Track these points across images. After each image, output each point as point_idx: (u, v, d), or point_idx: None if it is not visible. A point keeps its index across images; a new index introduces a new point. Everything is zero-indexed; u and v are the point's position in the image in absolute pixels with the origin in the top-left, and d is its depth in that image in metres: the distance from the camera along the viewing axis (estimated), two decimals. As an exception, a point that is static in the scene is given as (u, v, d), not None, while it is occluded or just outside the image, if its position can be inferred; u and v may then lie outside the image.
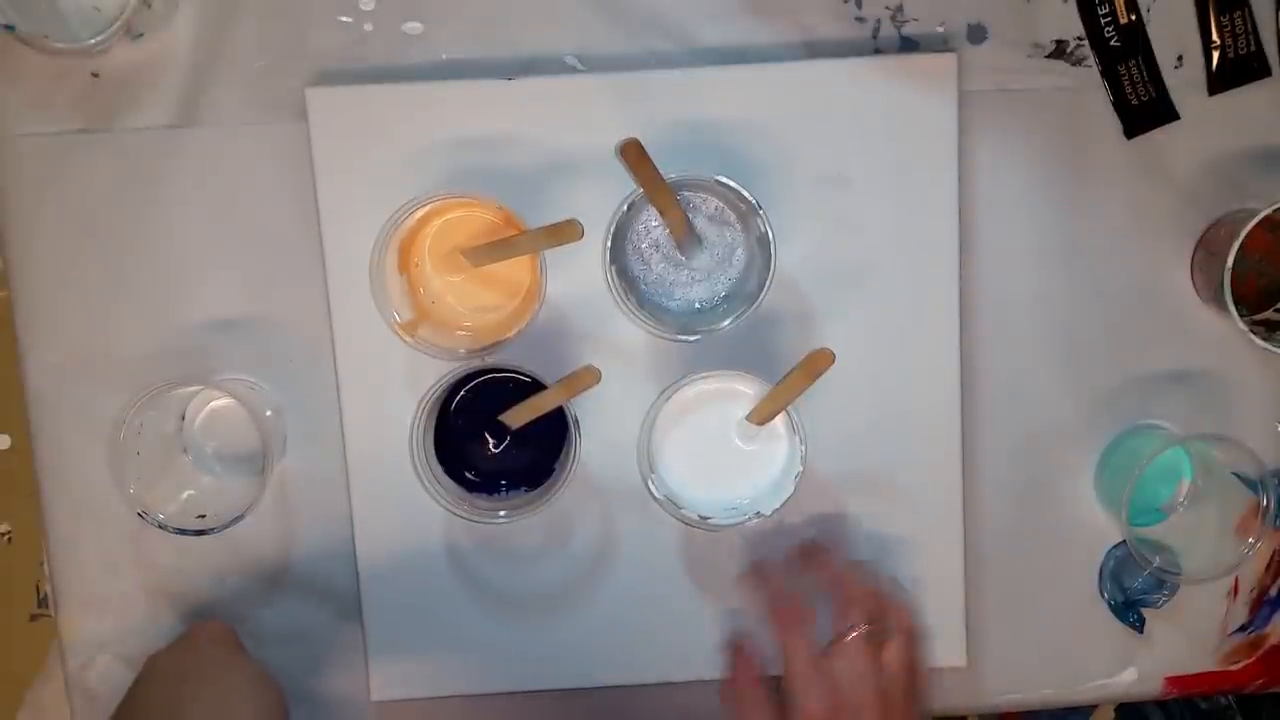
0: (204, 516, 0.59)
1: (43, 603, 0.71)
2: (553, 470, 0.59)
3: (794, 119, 0.60)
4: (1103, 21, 0.61)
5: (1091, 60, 0.62)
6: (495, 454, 0.59)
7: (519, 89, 0.59)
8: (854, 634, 0.55)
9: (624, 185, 0.55)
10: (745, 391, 0.57)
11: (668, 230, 0.58)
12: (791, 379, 0.54)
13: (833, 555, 0.61)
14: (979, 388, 0.63)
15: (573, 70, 0.61)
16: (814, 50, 0.61)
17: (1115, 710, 1.03)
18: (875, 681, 0.55)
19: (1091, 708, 1.03)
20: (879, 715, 0.54)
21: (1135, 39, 0.61)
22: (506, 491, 0.59)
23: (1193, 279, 0.63)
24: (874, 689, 0.54)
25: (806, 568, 0.60)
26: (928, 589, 0.62)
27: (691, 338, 0.57)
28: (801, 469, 0.56)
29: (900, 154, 0.60)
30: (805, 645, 0.55)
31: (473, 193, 0.55)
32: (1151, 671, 0.65)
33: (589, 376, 0.54)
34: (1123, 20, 0.61)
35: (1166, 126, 0.62)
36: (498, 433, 0.59)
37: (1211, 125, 0.62)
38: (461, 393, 0.58)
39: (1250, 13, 0.61)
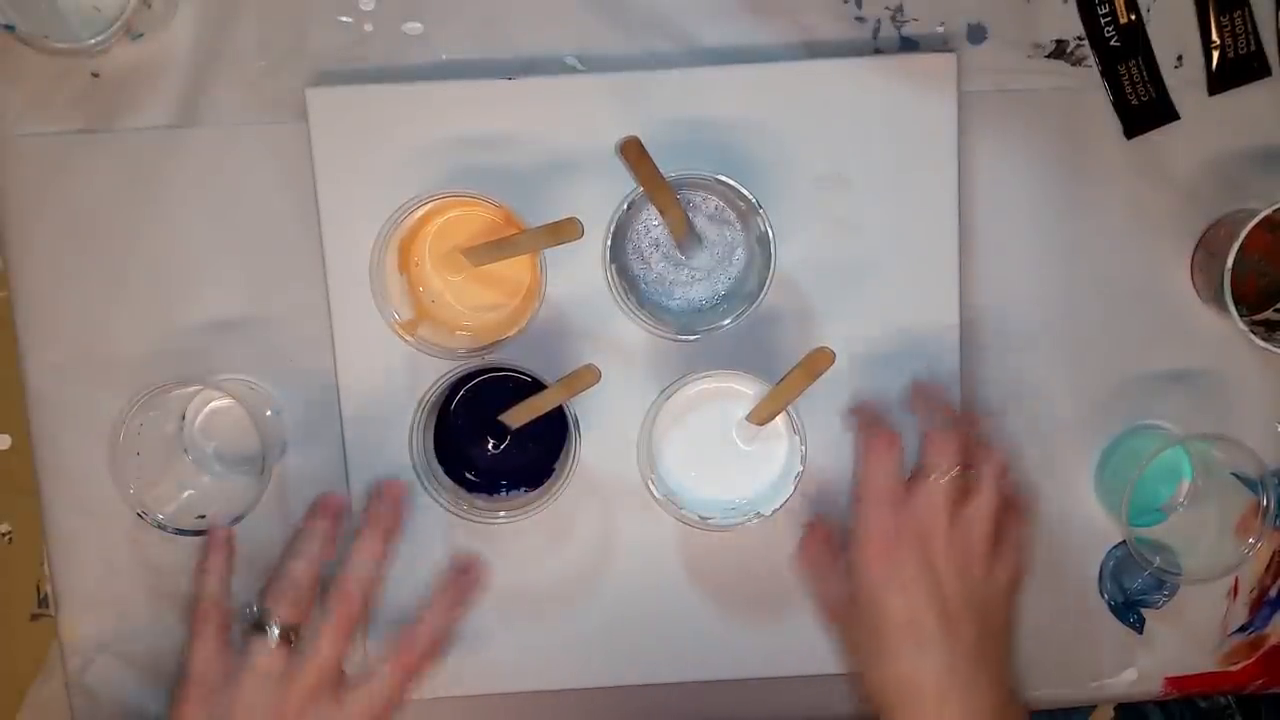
0: (204, 516, 0.59)
1: (43, 603, 0.71)
2: (552, 470, 0.59)
3: (794, 119, 0.60)
4: (1103, 21, 0.61)
5: (1091, 60, 0.62)
6: (495, 454, 0.59)
7: (519, 89, 0.59)
8: (938, 477, 0.53)
9: (624, 184, 0.55)
10: (745, 391, 0.57)
11: (668, 229, 0.58)
12: (791, 378, 0.54)
13: (947, 400, 0.59)
14: (979, 388, 0.63)
15: (573, 70, 0.61)
16: (814, 50, 0.61)
17: (1115, 710, 1.03)
18: (949, 526, 0.52)
19: (1091, 708, 1.02)
20: (948, 562, 0.52)
21: (1135, 39, 0.61)
22: (506, 491, 0.59)
23: (1193, 279, 0.63)
24: (945, 533, 0.52)
25: (916, 405, 0.58)
26: (928, 589, 0.62)
27: (691, 337, 0.57)
28: (801, 469, 0.56)
29: (900, 154, 0.60)
30: (884, 472, 0.53)
31: (473, 191, 0.55)
32: (1151, 671, 0.65)
33: (589, 375, 0.54)
34: (1123, 20, 0.61)
35: (1166, 126, 0.62)
36: (498, 432, 0.58)
37: (1211, 125, 0.62)
38: (461, 392, 0.58)
39: (1250, 13, 0.61)
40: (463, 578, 0.56)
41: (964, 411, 0.60)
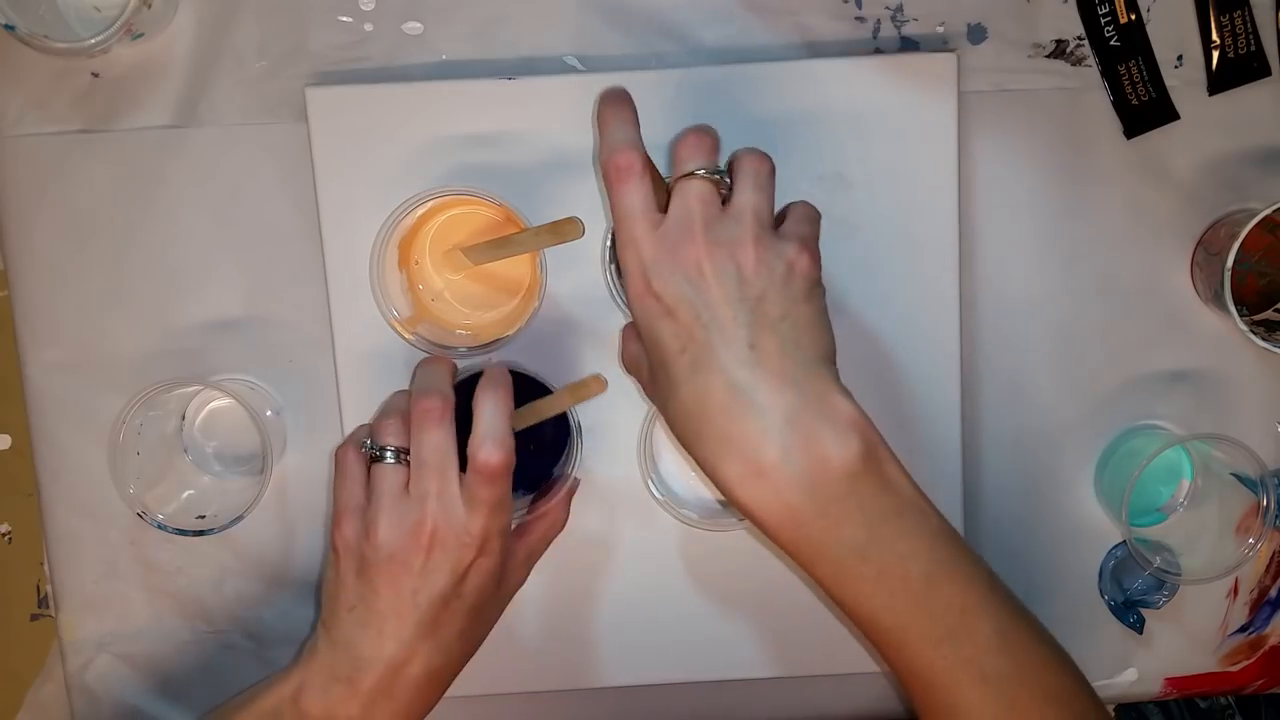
0: (204, 516, 0.59)
1: (43, 603, 0.71)
2: (552, 473, 0.59)
3: (794, 119, 0.60)
4: (1103, 21, 0.61)
5: (1091, 60, 0.62)
6: None
7: (519, 89, 0.59)
8: (690, 177, 0.48)
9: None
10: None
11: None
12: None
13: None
14: (979, 388, 0.63)
15: (573, 70, 0.61)
16: (814, 50, 0.61)
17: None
18: (707, 228, 0.46)
19: (1092, 708, 1.02)
20: (714, 267, 0.46)
21: (1135, 39, 0.61)
22: None
23: (1193, 279, 0.63)
24: (704, 237, 0.46)
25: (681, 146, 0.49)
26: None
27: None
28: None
29: (900, 154, 0.60)
30: (630, 202, 0.47)
31: (473, 190, 0.55)
32: (1151, 672, 0.65)
33: (596, 385, 0.54)
34: (1123, 20, 0.61)
35: (1166, 126, 0.62)
36: None
37: (1211, 125, 0.62)
38: (462, 394, 0.58)
39: (1250, 13, 0.61)
40: (490, 378, 0.53)
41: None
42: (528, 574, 0.57)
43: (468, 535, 0.50)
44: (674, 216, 0.47)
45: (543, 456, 0.59)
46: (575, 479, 0.59)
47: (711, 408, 0.46)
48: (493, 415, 0.51)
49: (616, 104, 0.49)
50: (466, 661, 0.54)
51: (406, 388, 0.55)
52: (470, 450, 0.50)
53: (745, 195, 0.48)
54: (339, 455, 0.54)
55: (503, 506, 0.51)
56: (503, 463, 0.50)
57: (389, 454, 0.52)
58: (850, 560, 0.46)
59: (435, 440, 0.51)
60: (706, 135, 0.49)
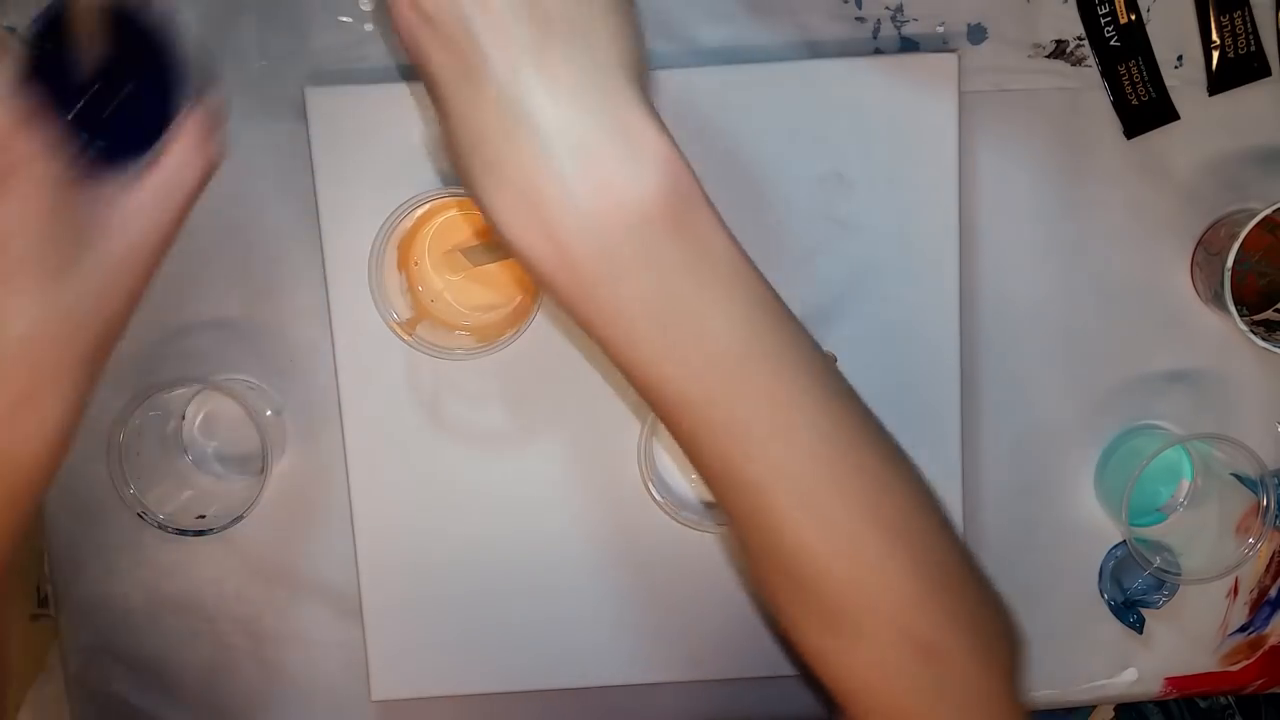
0: (204, 517, 0.59)
1: (43, 603, 0.71)
2: (167, 114, 0.45)
3: (794, 119, 0.60)
4: (1103, 21, 0.61)
5: (1091, 60, 0.62)
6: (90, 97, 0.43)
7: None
8: None
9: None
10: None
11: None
12: None
13: None
14: (979, 388, 0.63)
15: (573, 70, 0.61)
16: (814, 50, 0.61)
17: (1115, 710, 1.03)
18: None
19: (1091, 708, 1.02)
20: None
21: (1135, 39, 0.61)
22: (94, 149, 0.43)
23: (1193, 279, 0.63)
24: None
25: None
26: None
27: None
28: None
29: (900, 154, 0.60)
30: None
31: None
32: (1151, 672, 0.65)
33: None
34: (1123, 20, 0.61)
35: (1166, 126, 0.62)
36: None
37: (1211, 125, 0.62)
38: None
39: (1250, 13, 0.61)
40: None
41: None
42: (163, 226, 0.46)
43: None
44: None
45: (149, 100, 0.45)
46: (209, 105, 0.46)
47: (482, 130, 0.37)
48: None
49: None
50: (97, 321, 0.44)
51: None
52: None
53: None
54: None
55: (10, 99, 0.39)
56: None
57: None
58: (641, 324, 0.38)
59: None
60: None
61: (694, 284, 0.38)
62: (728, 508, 0.41)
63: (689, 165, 0.38)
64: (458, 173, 0.39)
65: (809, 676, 0.43)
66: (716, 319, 0.38)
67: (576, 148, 0.36)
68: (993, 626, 0.43)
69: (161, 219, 0.46)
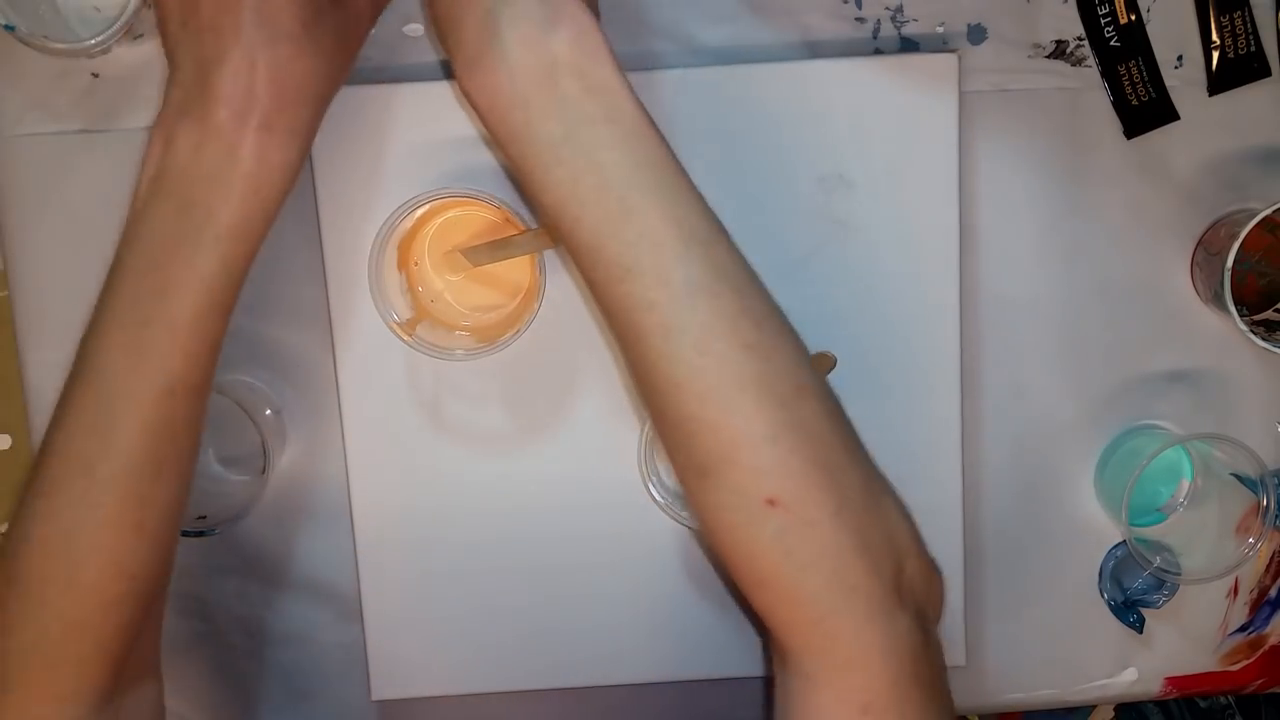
0: (204, 517, 0.59)
1: (43, 603, 0.71)
2: None
3: (794, 119, 0.60)
4: (1103, 21, 0.61)
5: (1091, 60, 0.62)
6: None
7: (519, 89, 0.59)
8: None
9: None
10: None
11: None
12: None
13: None
14: (979, 388, 0.63)
15: (573, 70, 0.61)
16: (814, 50, 0.61)
17: (1115, 710, 1.03)
18: None
19: (1091, 708, 1.03)
20: None
21: (1135, 39, 0.61)
22: None
23: (1193, 279, 0.63)
24: None
25: None
26: (928, 589, 0.62)
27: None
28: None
29: (900, 154, 0.60)
30: None
31: (472, 191, 0.55)
32: (1151, 671, 0.65)
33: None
34: (1123, 20, 0.61)
35: (1166, 126, 0.62)
36: None
37: (1211, 125, 0.62)
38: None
39: (1250, 13, 0.61)
40: None
41: None
42: (377, 9, 0.56)
43: None
44: None
45: None
46: None
47: (451, 11, 0.46)
48: None
49: None
50: (333, 66, 0.51)
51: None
52: None
53: None
54: None
55: None
56: None
57: None
58: (546, 157, 0.44)
59: None
60: None
61: (590, 129, 0.44)
62: (626, 356, 0.46)
63: (599, 28, 0.45)
64: (438, 39, 0.47)
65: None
66: (612, 166, 0.44)
67: (515, 17, 0.44)
68: (861, 497, 0.44)
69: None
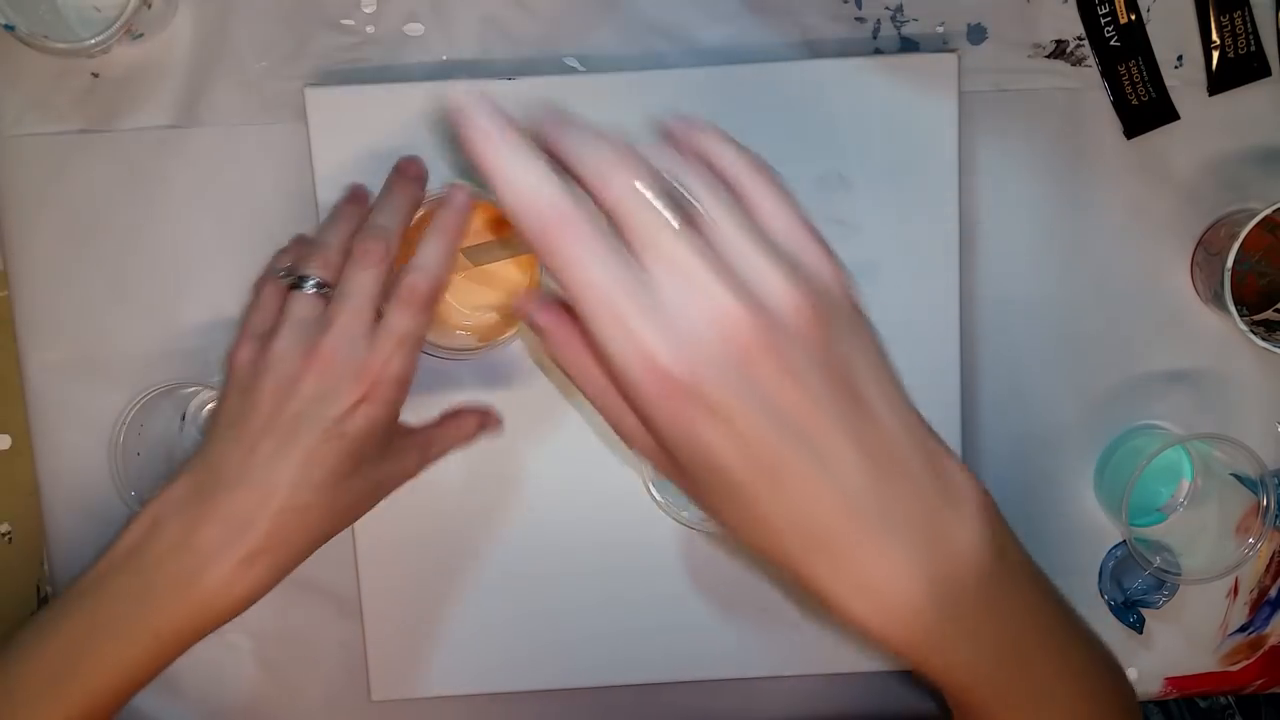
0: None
1: (43, 602, 0.71)
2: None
3: (794, 119, 0.60)
4: (1103, 21, 0.61)
5: (1091, 60, 0.62)
6: None
7: (519, 89, 0.59)
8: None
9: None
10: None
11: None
12: None
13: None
14: (979, 388, 0.63)
15: (573, 71, 0.61)
16: (814, 50, 0.61)
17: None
18: (707, 281, 0.33)
19: (1092, 708, 1.02)
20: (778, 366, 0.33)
21: (1135, 39, 0.61)
22: None
23: (1193, 279, 0.63)
24: (701, 295, 0.32)
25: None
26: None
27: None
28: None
29: (900, 154, 0.60)
30: (596, 268, 0.33)
31: (473, 191, 0.55)
32: (1151, 671, 0.65)
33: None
34: (1123, 20, 0.61)
35: (1166, 126, 0.62)
36: None
37: (1211, 125, 0.62)
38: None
39: (1250, 13, 0.61)
40: (447, 210, 0.52)
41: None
42: (420, 467, 0.55)
43: (363, 369, 0.48)
44: (669, 293, 0.33)
45: None
46: (496, 418, 0.60)
47: (811, 524, 0.34)
48: (434, 247, 0.50)
49: (566, 223, 0.34)
50: (341, 521, 0.51)
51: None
52: (398, 276, 0.49)
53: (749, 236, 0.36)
54: (257, 284, 0.54)
55: (408, 346, 0.49)
56: (428, 289, 0.49)
57: (309, 284, 0.50)
58: (984, 670, 0.38)
59: (365, 279, 0.49)
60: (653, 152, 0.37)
61: (1031, 624, 0.39)
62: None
63: (990, 494, 0.38)
64: (763, 553, 0.36)
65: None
66: (1041, 644, 0.40)
67: (912, 523, 0.35)
68: None
69: (422, 459, 0.56)
